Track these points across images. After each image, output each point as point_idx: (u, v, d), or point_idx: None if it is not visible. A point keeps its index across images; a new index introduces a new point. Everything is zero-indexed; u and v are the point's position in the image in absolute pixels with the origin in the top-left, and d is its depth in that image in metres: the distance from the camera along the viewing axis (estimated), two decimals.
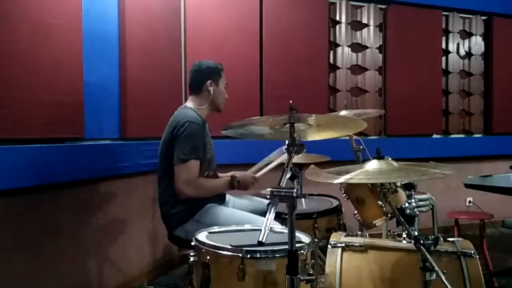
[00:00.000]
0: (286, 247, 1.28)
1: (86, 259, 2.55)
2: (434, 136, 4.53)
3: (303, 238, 1.67)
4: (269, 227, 1.20)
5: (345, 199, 2.16)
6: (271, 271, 1.46)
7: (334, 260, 1.61)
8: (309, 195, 2.80)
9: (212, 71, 2.31)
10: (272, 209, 1.24)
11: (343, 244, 1.64)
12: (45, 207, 2.22)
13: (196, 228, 1.87)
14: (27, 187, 2.04)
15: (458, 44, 4.61)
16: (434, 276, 1.35)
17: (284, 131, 1.56)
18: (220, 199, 2.32)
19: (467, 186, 2.87)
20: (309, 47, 3.91)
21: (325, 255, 1.65)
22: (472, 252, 1.54)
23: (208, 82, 2.29)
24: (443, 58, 4.55)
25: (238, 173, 2.27)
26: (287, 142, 1.51)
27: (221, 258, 1.50)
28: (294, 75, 3.83)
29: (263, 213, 1.86)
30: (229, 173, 2.38)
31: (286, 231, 1.31)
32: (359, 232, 1.87)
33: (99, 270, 2.65)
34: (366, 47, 4.20)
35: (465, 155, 4.48)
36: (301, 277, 1.28)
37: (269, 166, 2.38)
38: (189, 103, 2.32)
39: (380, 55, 4.27)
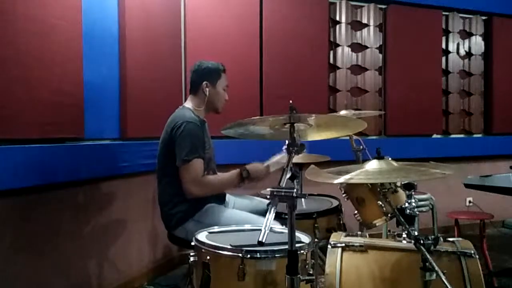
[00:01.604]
0: (286, 247, 1.28)
1: (86, 259, 2.55)
2: (434, 136, 4.53)
3: (303, 238, 1.67)
4: (269, 227, 1.20)
5: (345, 199, 2.16)
6: (271, 271, 1.46)
7: (334, 260, 1.61)
8: (309, 195, 2.80)
9: (210, 72, 2.28)
10: (272, 209, 1.24)
11: (343, 244, 1.64)
12: (45, 207, 2.22)
13: (195, 228, 1.87)
14: (27, 187, 2.04)
15: (458, 44, 4.61)
16: (434, 276, 1.35)
17: (284, 131, 1.56)
18: (220, 199, 2.32)
19: (467, 186, 2.87)
20: (309, 47, 3.91)
21: (325, 255, 1.65)
22: (472, 252, 1.54)
23: (204, 83, 2.27)
24: (443, 58, 4.55)
25: (247, 165, 2.21)
26: (287, 142, 1.52)
27: (221, 258, 1.50)
28: (294, 75, 3.83)
29: (263, 213, 1.86)
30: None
31: (286, 231, 1.31)
32: (359, 232, 1.87)
33: (99, 270, 2.65)
34: (366, 47, 4.20)
35: (465, 155, 4.47)
36: (301, 277, 1.28)
37: (283, 161, 2.29)
38: (188, 103, 2.32)
39: (380, 55, 4.27)
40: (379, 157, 1.63)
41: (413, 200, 1.62)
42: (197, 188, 2.09)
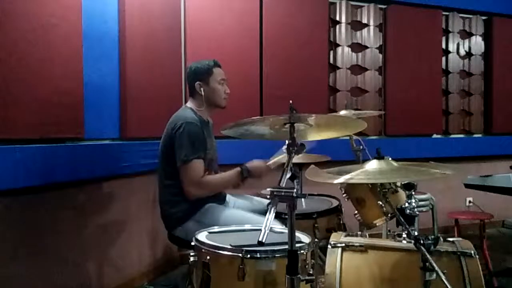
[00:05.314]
0: (286, 247, 1.28)
1: (86, 259, 2.55)
2: (434, 136, 4.53)
3: (303, 238, 1.67)
4: (269, 227, 1.20)
5: (345, 199, 2.16)
6: (271, 271, 1.46)
7: (334, 260, 1.61)
8: (309, 195, 2.79)
9: (200, 71, 2.28)
10: (272, 209, 1.24)
11: (343, 244, 1.64)
12: (45, 207, 2.22)
13: (195, 228, 1.87)
14: (27, 187, 2.04)
15: (458, 44, 4.61)
16: (434, 276, 1.35)
17: (284, 131, 1.56)
18: (220, 200, 2.32)
19: (467, 186, 2.87)
20: (309, 47, 3.91)
21: (325, 255, 1.65)
22: (472, 252, 1.54)
23: (197, 83, 2.27)
24: (443, 58, 4.54)
25: (247, 163, 2.21)
26: (286, 142, 1.51)
27: (221, 258, 1.50)
28: (294, 75, 3.83)
29: (263, 213, 1.85)
30: None
31: (286, 231, 1.31)
32: (359, 232, 1.87)
33: (99, 270, 2.65)
34: (366, 47, 4.20)
35: (465, 155, 4.47)
36: (301, 277, 1.28)
37: (282, 158, 2.26)
38: (190, 104, 2.33)
39: (380, 55, 4.27)
40: (379, 157, 1.63)
41: (413, 200, 1.62)
42: (197, 189, 2.09)
